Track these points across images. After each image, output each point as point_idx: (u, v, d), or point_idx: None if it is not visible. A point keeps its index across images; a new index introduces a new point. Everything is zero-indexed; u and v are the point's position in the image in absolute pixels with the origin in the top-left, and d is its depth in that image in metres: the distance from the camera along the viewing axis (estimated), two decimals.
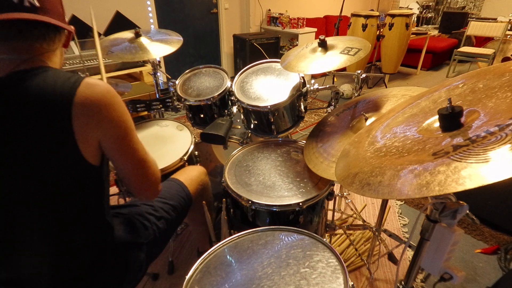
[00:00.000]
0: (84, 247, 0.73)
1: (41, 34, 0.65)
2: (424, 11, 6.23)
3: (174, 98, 1.48)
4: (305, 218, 1.02)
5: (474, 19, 4.54)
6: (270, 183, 1.05)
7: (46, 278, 0.70)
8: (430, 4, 6.45)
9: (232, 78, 1.47)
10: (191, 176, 1.13)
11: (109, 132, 0.67)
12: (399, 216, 1.80)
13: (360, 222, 1.66)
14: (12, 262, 0.68)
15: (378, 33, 3.76)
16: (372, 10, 5.59)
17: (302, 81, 1.32)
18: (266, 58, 1.62)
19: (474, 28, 4.22)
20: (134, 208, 0.93)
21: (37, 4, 0.62)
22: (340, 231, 1.59)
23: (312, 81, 1.34)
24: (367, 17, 3.68)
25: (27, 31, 0.63)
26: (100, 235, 0.77)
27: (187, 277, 0.72)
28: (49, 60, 0.68)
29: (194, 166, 1.23)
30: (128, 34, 1.53)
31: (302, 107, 1.36)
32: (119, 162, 0.73)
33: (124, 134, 0.70)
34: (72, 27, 0.72)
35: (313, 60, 1.16)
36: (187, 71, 1.62)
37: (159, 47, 1.47)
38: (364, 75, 1.39)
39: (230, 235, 0.85)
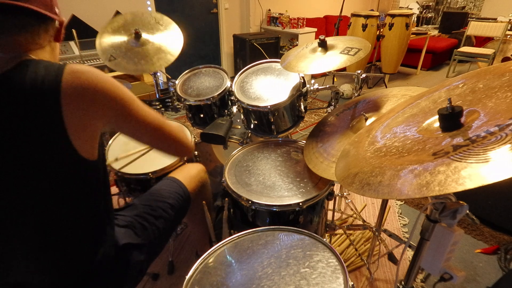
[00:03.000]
0: (86, 246, 0.73)
1: (23, 24, 0.60)
2: (424, 11, 6.24)
3: (174, 98, 1.48)
4: (305, 218, 1.02)
5: (474, 19, 4.54)
6: (270, 183, 1.05)
7: (45, 281, 0.70)
8: (430, 4, 6.45)
9: (232, 78, 1.47)
10: (190, 174, 1.12)
11: (110, 113, 0.64)
12: (399, 216, 1.80)
13: (360, 222, 1.66)
14: (11, 266, 0.67)
15: (378, 33, 3.76)
16: (372, 10, 5.59)
17: (302, 81, 1.32)
18: (266, 58, 1.62)
19: (474, 28, 4.21)
20: (132, 209, 0.92)
21: None
22: (340, 231, 1.59)
23: (312, 81, 1.34)
24: (367, 17, 3.68)
25: (6, 21, 0.58)
26: (102, 233, 0.76)
27: (187, 277, 0.72)
28: (39, 56, 0.63)
29: (193, 164, 1.22)
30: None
31: (302, 107, 1.36)
32: (138, 135, 0.72)
33: (127, 108, 0.67)
34: (63, 18, 0.67)
35: (313, 60, 1.16)
36: (187, 71, 1.62)
37: None
38: (364, 75, 1.39)
39: (230, 235, 0.85)
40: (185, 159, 1.26)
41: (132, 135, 0.72)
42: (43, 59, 0.62)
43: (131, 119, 0.69)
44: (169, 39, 1.53)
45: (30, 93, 0.57)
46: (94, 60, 2.51)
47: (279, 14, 4.11)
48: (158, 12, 1.64)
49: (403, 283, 0.75)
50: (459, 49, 4.25)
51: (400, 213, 1.83)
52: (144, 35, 1.48)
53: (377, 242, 1.48)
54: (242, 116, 1.42)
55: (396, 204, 1.90)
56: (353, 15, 3.80)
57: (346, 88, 3.57)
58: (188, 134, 0.82)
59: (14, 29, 0.60)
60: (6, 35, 0.59)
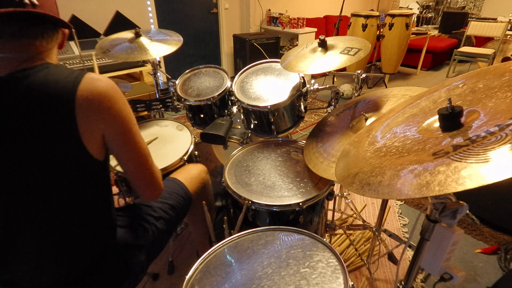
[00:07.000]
0: (87, 245, 0.73)
1: (40, 31, 0.66)
2: (424, 11, 6.24)
3: (174, 98, 1.48)
4: (305, 218, 1.02)
5: (474, 19, 4.53)
6: (270, 183, 1.05)
7: (45, 280, 0.70)
8: (430, 4, 6.45)
9: (232, 78, 1.47)
10: (191, 174, 1.12)
11: (112, 126, 0.68)
12: (399, 216, 1.80)
13: (360, 222, 1.65)
14: (13, 262, 0.68)
15: (378, 33, 3.76)
16: (372, 10, 5.59)
17: (302, 81, 1.32)
18: (266, 58, 1.62)
19: (474, 28, 4.21)
20: (133, 210, 0.92)
21: (36, 2, 0.63)
22: (340, 231, 1.59)
23: (312, 81, 1.34)
24: (367, 17, 3.67)
25: (26, 28, 0.64)
26: (104, 233, 0.77)
27: (187, 277, 0.72)
28: (48, 58, 0.69)
29: (195, 164, 1.22)
30: (128, 34, 1.53)
31: (302, 107, 1.36)
32: (124, 157, 0.74)
33: (128, 128, 0.71)
34: (71, 27, 0.73)
35: (313, 60, 1.16)
36: (187, 71, 1.62)
37: (159, 47, 1.47)
38: (364, 75, 1.39)
39: (230, 235, 0.85)
40: (185, 159, 1.26)
41: (118, 153, 0.73)
42: (62, 65, 0.69)
43: (125, 137, 0.72)
44: (168, 40, 1.54)
45: (47, 93, 0.61)
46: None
47: (279, 14, 4.11)
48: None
49: (403, 283, 0.75)
50: (459, 49, 4.25)
51: (400, 213, 1.83)
52: (144, 38, 1.50)
53: (377, 242, 1.48)
54: (242, 116, 1.42)
55: (396, 204, 1.90)
56: (353, 15, 3.80)
57: (346, 88, 3.57)
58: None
59: (35, 35, 0.66)
60: (29, 39, 0.65)
